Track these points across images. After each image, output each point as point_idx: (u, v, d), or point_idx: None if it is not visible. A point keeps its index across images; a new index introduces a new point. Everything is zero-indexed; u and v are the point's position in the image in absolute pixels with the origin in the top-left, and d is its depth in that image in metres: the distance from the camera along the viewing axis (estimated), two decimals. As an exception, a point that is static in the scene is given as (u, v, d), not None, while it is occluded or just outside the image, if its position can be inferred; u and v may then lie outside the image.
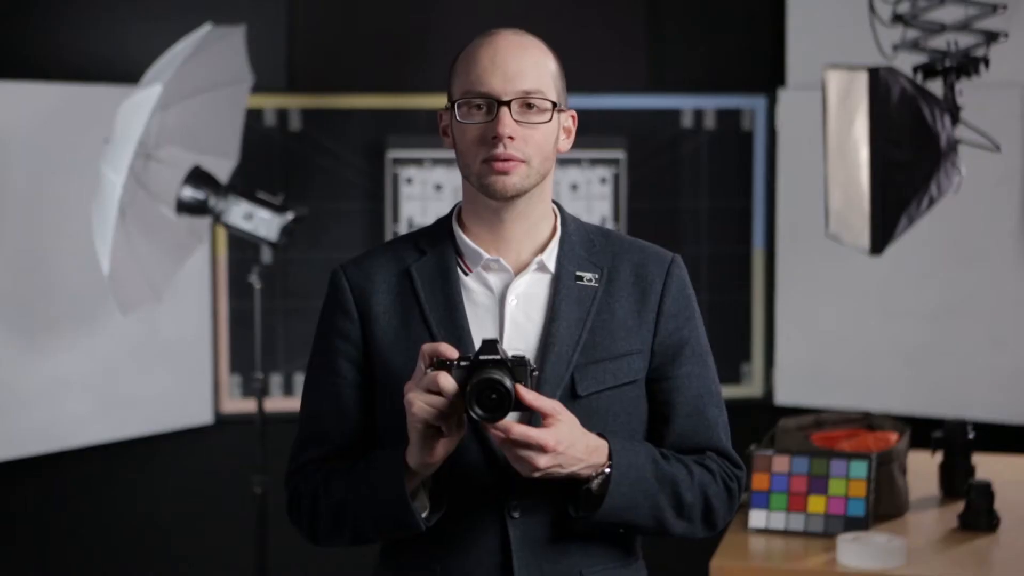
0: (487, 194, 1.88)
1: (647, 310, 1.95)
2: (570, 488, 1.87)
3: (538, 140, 1.87)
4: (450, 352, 1.75)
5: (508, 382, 1.72)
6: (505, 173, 1.86)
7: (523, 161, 1.86)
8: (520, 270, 1.93)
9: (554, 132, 1.90)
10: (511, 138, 1.85)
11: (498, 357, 1.73)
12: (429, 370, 1.74)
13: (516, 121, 1.85)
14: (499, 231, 1.93)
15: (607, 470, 1.83)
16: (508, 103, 1.85)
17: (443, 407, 1.73)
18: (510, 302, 1.91)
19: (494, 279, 1.93)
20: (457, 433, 1.77)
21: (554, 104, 1.88)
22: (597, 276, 1.95)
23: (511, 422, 1.75)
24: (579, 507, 1.87)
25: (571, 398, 1.88)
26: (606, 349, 1.91)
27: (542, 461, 1.76)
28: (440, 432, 1.75)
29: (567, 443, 1.78)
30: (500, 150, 1.85)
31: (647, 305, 1.96)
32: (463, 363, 1.73)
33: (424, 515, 1.84)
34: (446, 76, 1.95)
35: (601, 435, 1.85)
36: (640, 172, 4.43)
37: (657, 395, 1.95)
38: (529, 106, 1.86)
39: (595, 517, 1.84)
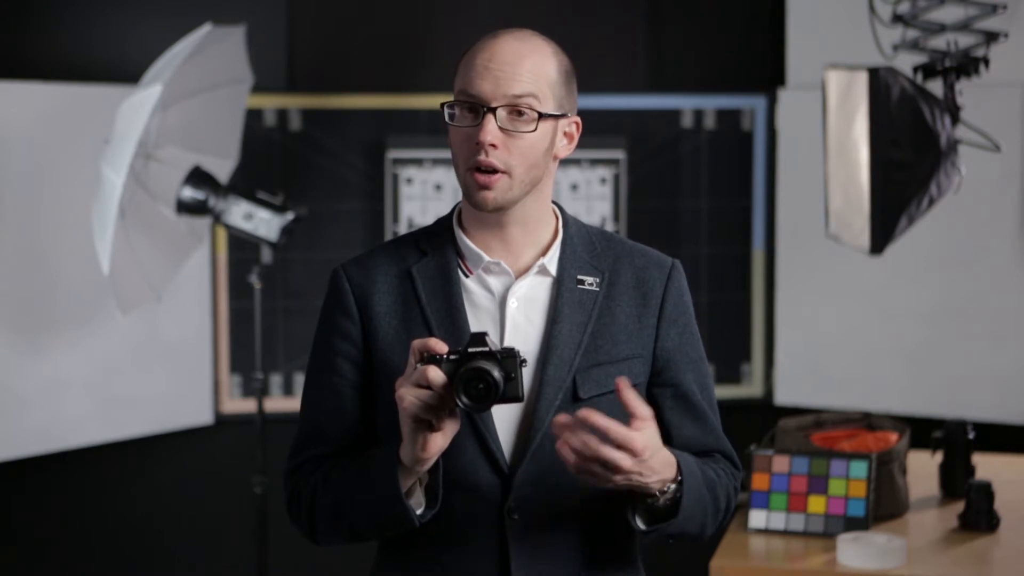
0: (472, 205, 1.89)
1: (648, 315, 1.95)
2: (616, 502, 1.87)
3: (523, 149, 1.85)
4: (440, 347, 1.75)
5: (496, 373, 1.73)
6: (487, 187, 1.85)
7: (504, 172, 1.85)
8: (521, 273, 1.93)
9: (543, 141, 1.88)
10: (494, 146, 1.84)
11: (487, 349, 1.74)
12: (419, 365, 1.75)
13: (503, 129, 1.84)
14: (499, 234, 1.93)
15: (673, 485, 1.82)
16: (494, 109, 1.84)
17: (432, 400, 1.73)
18: (511, 304, 1.91)
19: (495, 281, 1.93)
20: (450, 428, 1.77)
21: (540, 114, 1.86)
22: (598, 280, 1.94)
23: (607, 418, 1.72)
24: (646, 520, 1.85)
25: (572, 401, 1.88)
26: (607, 353, 1.91)
27: (627, 464, 1.73)
28: (431, 426, 1.75)
29: (651, 451, 1.76)
30: (482, 157, 1.84)
31: (648, 310, 1.96)
32: (452, 357, 1.74)
33: (419, 512, 1.84)
34: (450, 74, 1.94)
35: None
36: (640, 172, 4.43)
37: (660, 400, 1.95)
38: (519, 113, 1.85)
39: (664, 530, 1.84)
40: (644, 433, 1.75)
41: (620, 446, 1.72)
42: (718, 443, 2.00)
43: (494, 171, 1.84)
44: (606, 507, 1.90)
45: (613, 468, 1.73)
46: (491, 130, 1.83)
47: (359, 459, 1.89)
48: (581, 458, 1.73)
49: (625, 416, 1.91)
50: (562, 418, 1.74)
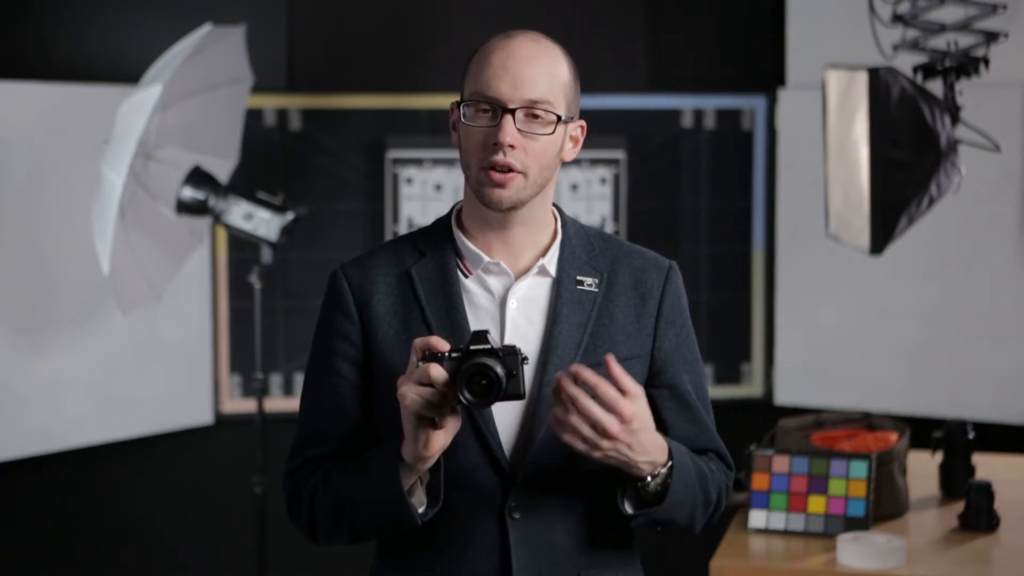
0: (483, 203, 1.89)
1: (646, 316, 1.96)
2: (608, 486, 1.87)
3: (538, 151, 1.86)
4: (441, 345, 1.76)
5: (499, 369, 1.73)
6: (501, 186, 1.85)
7: (521, 172, 1.86)
8: (520, 273, 1.93)
9: (557, 144, 1.89)
10: (512, 147, 1.84)
11: (488, 346, 1.74)
12: (421, 363, 1.75)
13: (520, 130, 1.85)
14: (500, 234, 1.93)
15: (663, 469, 1.83)
16: (513, 111, 1.84)
17: (434, 398, 1.74)
18: (511, 305, 1.92)
19: (494, 282, 1.93)
20: (452, 426, 1.77)
21: (559, 117, 1.87)
22: (597, 281, 1.95)
23: (599, 376, 1.73)
24: (634, 505, 1.86)
25: (573, 401, 1.88)
26: (606, 353, 1.91)
27: (615, 428, 1.74)
28: (434, 424, 1.76)
29: (639, 425, 1.77)
30: (500, 157, 1.84)
31: (646, 311, 1.96)
32: (454, 354, 1.75)
33: (420, 511, 1.84)
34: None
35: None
36: (640, 172, 4.43)
37: (656, 400, 1.96)
38: (535, 116, 1.86)
39: (651, 515, 1.85)
40: (634, 404, 1.76)
41: (609, 408, 1.73)
42: (712, 443, 2.01)
43: (509, 170, 1.85)
44: (606, 507, 1.90)
45: (602, 431, 1.74)
46: (510, 131, 1.84)
47: (359, 459, 1.89)
48: (570, 415, 1.74)
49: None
50: (561, 374, 1.75)
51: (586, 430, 1.74)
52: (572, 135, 1.94)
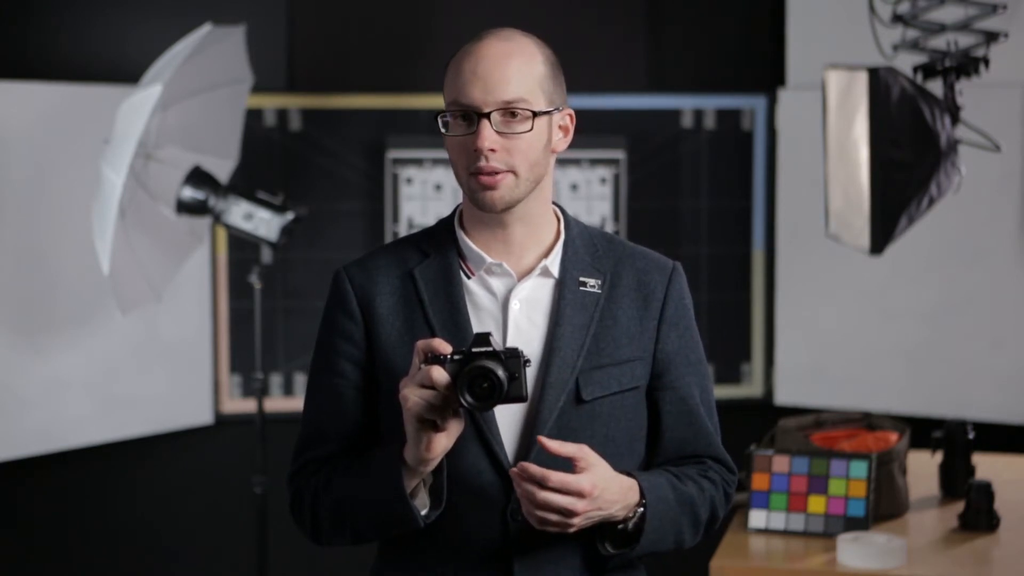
0: (478, 208, 1.89)
1: (649, 318, 1.96)
2: (595, 526, 1.88)
3: (522, 149, 1.86)
4: (444, 347, 1.76)
5: (501, 372, 1.74)
6: (492, 187, 1.85)
7: (509, 171, 1.86)
8: (523, 274, 1.93)
9: (540, 138, 1.88)
10: (493, 150, 1.84)
11: (491, 349, 1.74)
12: (423, 365, 1.75)
13: (499, 132, 1.84)
14: (501, 235, 1.93)
15: (640, 508, 1.85)
16: (488, 115, 1.84)
17: (436, 400, 1.74)
18: (513, 306, 1.91)
19: (497, 283, 1.93)
20: (454, 428, 1.78)
21: (535, 113, 1.86)
22: (600, 282, 1.95)
23: (548, 470, 1.76)
24: (614, 545, 1.88)
25: (576, 402, 1.89)
26: (610, 355, 1.91)
27: (580, 506, 1.76)
28: (435, 426, 1.76)
29: (602, 486, 1.79)
30: (483, 163, 1.84)
31: (649, 312, 1.96)
32: (456, 357, 1.75)
33: (423, 513, 1.84)
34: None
35: (627, 473, 1.87)
36: (640, 172, 4.43)
37: (657, 403, 1.96)
38: (512, 115, 1.85)
39: (631, 554, 1.86)
40: (591, 472, 1.78)
41: (567, 492, 1.76)
42: (710, 448, 2.00)
43: (496, 172, 1.85)
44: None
45: (568, 513, 1.76)
46: (488, 135, 1.84)
47: (361, 460, 1.89)
48: (534, 509, 1.77)
49: (626, 415, 1.93)
50: (512, 472, 1.78)
51: (553, 517, 1.77)
52: (561, 125, 1.93)
